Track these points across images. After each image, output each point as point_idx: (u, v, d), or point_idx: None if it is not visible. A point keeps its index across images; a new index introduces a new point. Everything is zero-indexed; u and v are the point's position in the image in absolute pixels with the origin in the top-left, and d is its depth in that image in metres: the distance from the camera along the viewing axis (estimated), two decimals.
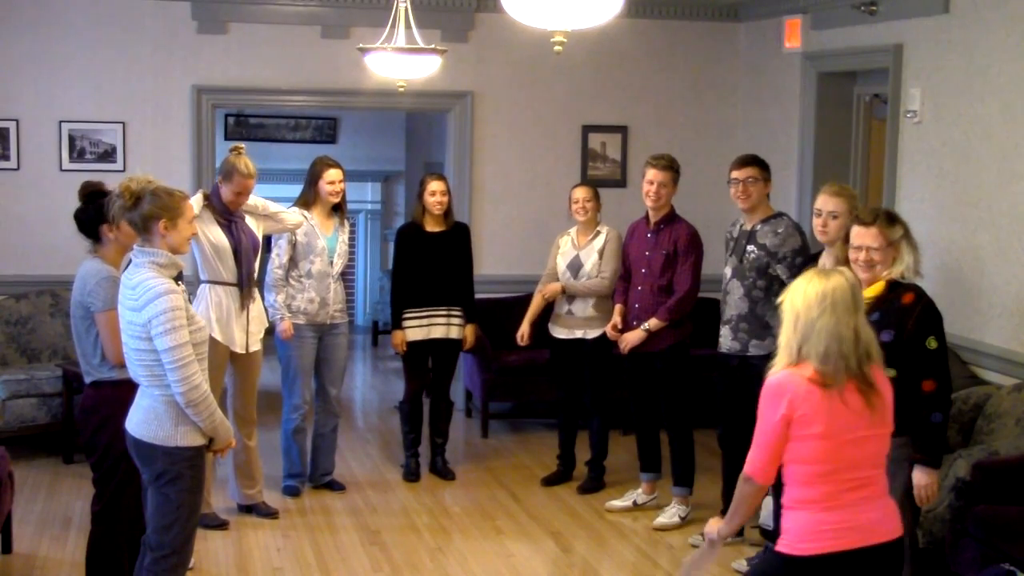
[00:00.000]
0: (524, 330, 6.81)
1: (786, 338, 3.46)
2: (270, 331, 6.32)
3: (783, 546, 3.52)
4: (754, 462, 3.52)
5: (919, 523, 4.97)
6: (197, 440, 4.12)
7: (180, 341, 3.97)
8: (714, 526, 3.79)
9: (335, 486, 6.70)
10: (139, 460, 4.17)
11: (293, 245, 6.39)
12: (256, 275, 6.02)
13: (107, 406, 4.53)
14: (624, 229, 6.59)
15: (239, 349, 5.89)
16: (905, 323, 4.28)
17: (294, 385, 6.49)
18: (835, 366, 3.39)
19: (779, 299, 3.60)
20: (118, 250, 4.62)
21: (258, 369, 6.14)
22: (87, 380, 4.66)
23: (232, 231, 5.85)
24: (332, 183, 6.43)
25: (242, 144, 6.11)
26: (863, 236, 4.40)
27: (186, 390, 4.00)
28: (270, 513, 6.19)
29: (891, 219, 4.45)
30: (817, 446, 3.41)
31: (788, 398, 3.40)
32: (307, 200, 6.48)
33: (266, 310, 6.32)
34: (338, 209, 6.55)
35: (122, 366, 4.48)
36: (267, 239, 6.27)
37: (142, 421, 4.10)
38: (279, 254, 6.40)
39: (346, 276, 12.32)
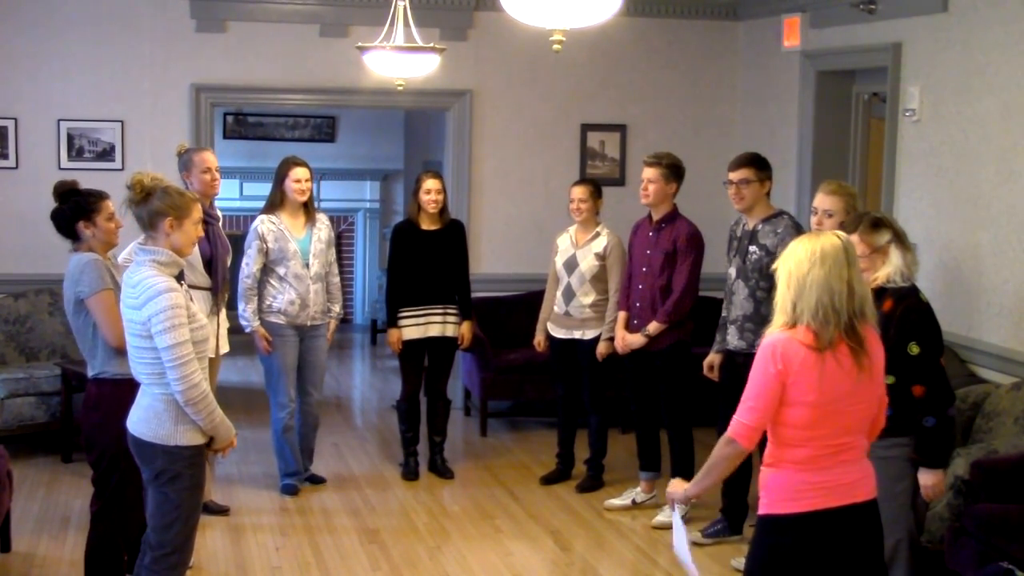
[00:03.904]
0: (540, 338, 6.83)
1: (781, 297, 3.49)
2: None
3: (763, 507, 3.58)
4: (740, 424, 3.51)
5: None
6: (197, 439, 4.12)
7: (180, 339, 3.97)
8: (678, 487, 3.78)
9: (315, 479, 6.75)
10: (139, 459, 4.17)
11: (264, 253, 6.39)
12: (228, 279, 6.03)
13: (107, 404, 4.53)
14: (621, 228, 6.60)
15: (211, 353, 5.85)
16: (887, 330, 4.29)
17: (278, 384, 6.50)
18: (826, 319, 3.41)
19: (772, 267, 3.63)
20: (98, 245, 4.65)
21: (218, 371, 6.17)
22: (90, 374, 4.66)
23: (208, 235, 5.79)
24: (298, 181, 6.41)
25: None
26: None
27: (185, 388, 4.00)
28: (221, 510, 6.19)
29: (876, 225, 4.45)
30: (807, 412, 3.45)
31: (782, 359, 3.43)
32: (273, 201, 6.47)
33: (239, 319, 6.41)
34: (307, 209, 6.52)
35: (122, 351, 4.49)
36: (241, 245, 6.28)
37: (142, 420, 4.10)
38: (248, 263, 6.40)
39: (345, 275, 12.44)
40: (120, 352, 4.50)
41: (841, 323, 3.43)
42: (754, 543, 3.69)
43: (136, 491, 4.44)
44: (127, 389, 4.39)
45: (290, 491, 6.57)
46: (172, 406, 4.05)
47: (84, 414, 4.72)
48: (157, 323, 3.96)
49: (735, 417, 3.53)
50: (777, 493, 3.53)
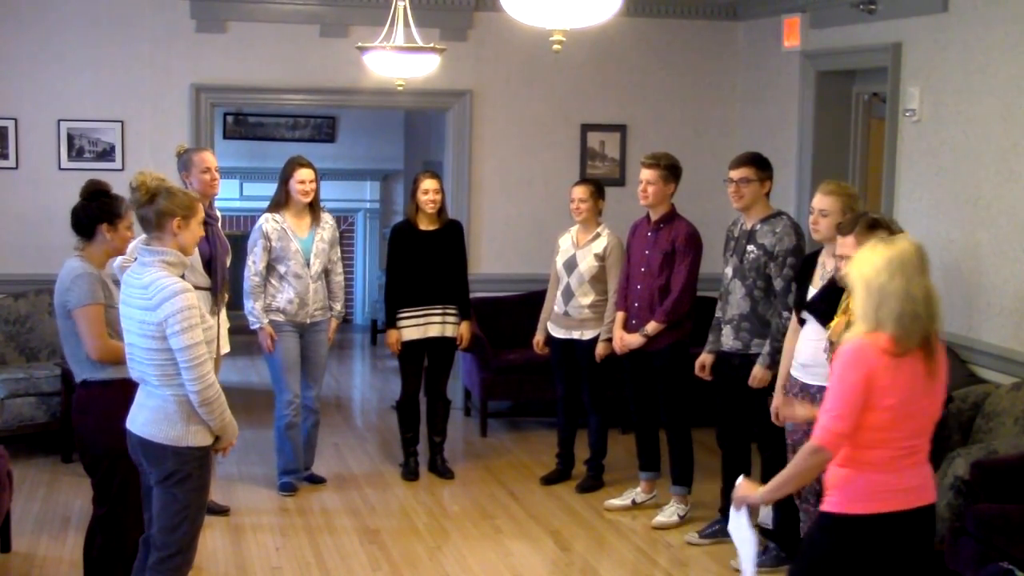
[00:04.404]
0: (539, 338, 6.83)
1: (861, 306, 3.48)
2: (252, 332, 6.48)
3: (833, 505, 3.57)
4: (829, 431, 3.48)
5: None
6: (206, 440, 4.12)
7: (196, 340, 3.98)
8: (749, 490, 3.74)
9: (314, 479, 6.76)
10: (147, 460, 4.13)
11: (269, 251, 6.44)
12: (227, 279, 6.04)
13: (99, 406, 4.51)
14: (621, 228, 6.60)
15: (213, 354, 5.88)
16: None
17: (282, 381, 6.54)
18: (909, 328, 3.42)
19: (843, 271, 3.59)
20: (107, 251, 4.63)
21: (218, 371, 6.17)
22: (77, 379, 4.64)
23: (207, 236, 5.78)
24: (302, 182, 6.46)
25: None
26: (842, 245, 4.50)
27: (201, 388, 4.00)
28: (221, 510, 6.18)
29: (872, 226, 4.45)
30: (886, 416, 3.46)
31: (866, 364, 3.43)
32: (279, 201, 6.52)
33: (246, 317, 6.42)
34: (312, 209, 6.56)
35: (104, 363, 4.48)
36: (241, 245, 6.30)
37: (151, 421, 4.08)
38: (255, 261, 6.45)
39: (345, 275, 12.40)
40: (102, 361, 4.48)
41: (922, 330, 3.44)
42: (815, 539, 3.67)
43: (137, 492, 4.43)
44: (117, 390, 4.39)
45: (288, 489, 6.58)
46: (184, 407, 4.04)
47: (77, 419, 4.68)
48: (174, 323, 3.95)
49: (820, 424, 3.51)
50: (851, 493, 3.53)
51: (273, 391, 6.67)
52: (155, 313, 3.97)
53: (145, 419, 4.09)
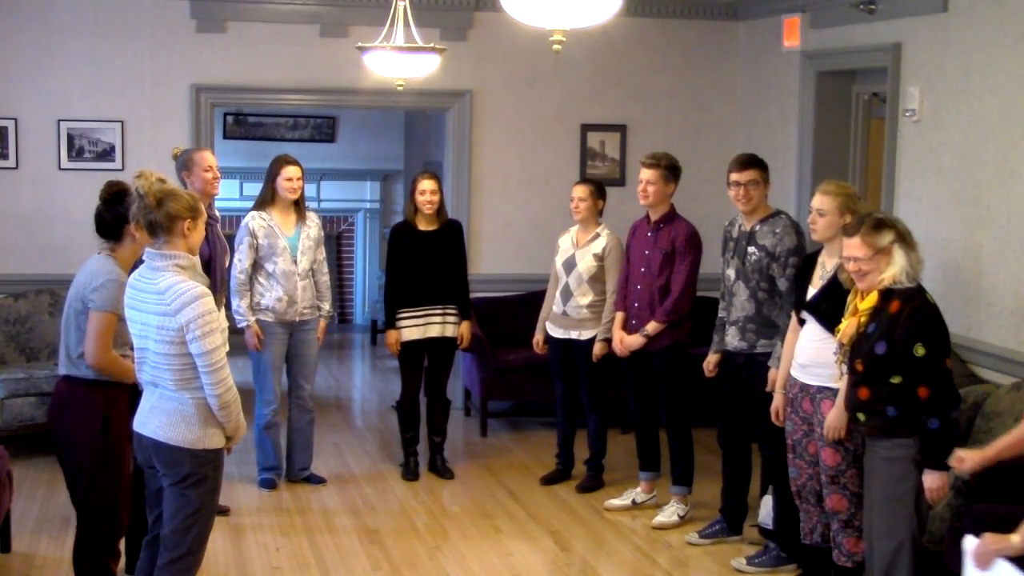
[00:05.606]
0: (539, 337, 6.83)
1: None
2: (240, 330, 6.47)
3: None
4: None
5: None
6: (221, 442, 4.13)
7: (217, 344, 3.99)
8: (1002, 541, 3.61)
9: (314, 479, 6.77)
10: (161, 463, 4.11)
11: (255, 249, 6.45)
12: (226, 280, 6.06)
13: (78, 404, 4.49)
14: (621, 228, 6.60)
15: None
16: (894, 333, 4.30)
17: (265, 381, 6.56)
18: None
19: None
20: (133, 252, 4.56)
21: None
22: (61, 372, 4.58)
23: (207, 237, 5.77)
24: (290, 180, 6.48)
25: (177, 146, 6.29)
26: (849, 247, 4.44)
27: (222, 392, 4.00)
28: (221, 510, 6.15)
29: (878, 226, 4.43)
30: None
31: None
32: (264, 198, 6.55)
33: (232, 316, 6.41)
34: (298, 207, 6.58)
35: (95, 369, 4.44)
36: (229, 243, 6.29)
37: (167, 424, 4.05)
38: (240, 259, 6.46)
39: (345, 275, 12.44)
40: (96, 367, 4.45)
41: None
42: None
43: (113, 489, 4.43)
44: (98, 391, 4.39)
45: (268, 485, 6.61)
46: (202, 410, 4.04)
47: (54, 413, 4.61)
48: (195, 328, 3.94)
49: None
50: None
51: (252, 390, 6.66)
52: (175, 318, 3.94)
53: (160, 422, 4.07)
